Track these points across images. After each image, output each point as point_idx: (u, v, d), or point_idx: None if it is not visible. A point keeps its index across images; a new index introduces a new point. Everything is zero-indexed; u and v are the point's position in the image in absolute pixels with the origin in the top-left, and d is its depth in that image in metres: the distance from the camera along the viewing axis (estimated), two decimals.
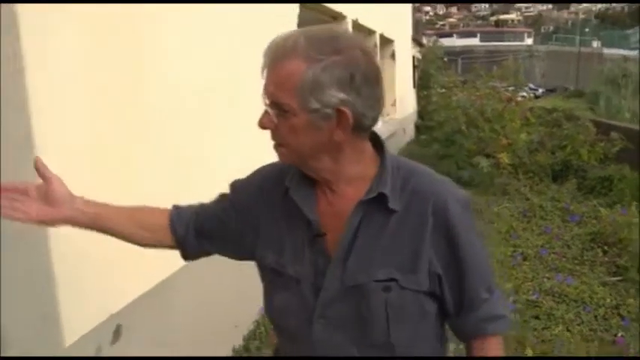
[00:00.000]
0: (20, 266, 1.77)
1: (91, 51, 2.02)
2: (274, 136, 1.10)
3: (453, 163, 8.92)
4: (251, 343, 3.36)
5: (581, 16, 53.25)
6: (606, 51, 41.25)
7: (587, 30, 51.76)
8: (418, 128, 14.12)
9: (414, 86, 15.48)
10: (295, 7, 4.33)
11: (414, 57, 15.36)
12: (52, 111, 1.79)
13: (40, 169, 1.14)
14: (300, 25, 4.30)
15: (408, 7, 14.55)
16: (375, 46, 8.63)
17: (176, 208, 1.30)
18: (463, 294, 1.16)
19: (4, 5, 1.61)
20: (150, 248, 1.30)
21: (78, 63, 1.94)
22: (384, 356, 1.14)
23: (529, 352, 3.27)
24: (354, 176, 1.14)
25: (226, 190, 1.31)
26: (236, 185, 1.30)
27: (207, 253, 1.33)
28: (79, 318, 1.97)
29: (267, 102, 1.06)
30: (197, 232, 1.27)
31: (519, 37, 56.67)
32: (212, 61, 2.98)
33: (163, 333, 2.51)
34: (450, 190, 1.17)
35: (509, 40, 54.12)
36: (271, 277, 1.22)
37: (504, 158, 8.25)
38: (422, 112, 15.33)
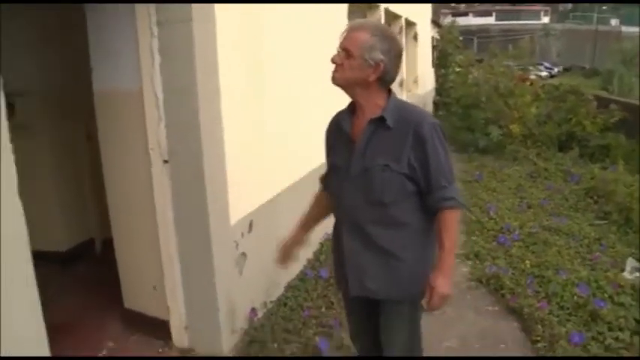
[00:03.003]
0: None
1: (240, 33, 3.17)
2: (337, 67, 1.92)
3: (469, 133, 9.99)
4: (319, 255, 4.53)
5: None
6: (625, 29, 41.11)
7: (604, 8, 51.44)
8: (436, 105, 15.06)
9: (433, 65, 16.38)
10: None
11: (432, 37, 16.22)
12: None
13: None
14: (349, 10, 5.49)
15: None
16: (401, 28, 9.66)
17: (322, 181, 2.29)
18: (429, 180, 1.91)
19: (206, 4, 2.73)
20: None
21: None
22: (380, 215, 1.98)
23: (527, 265, 4.38)
24: (375, 105, 1.95)
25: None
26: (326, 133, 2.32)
27: None
28: (234, 213, 3.13)
29: (341, 49, 1.90)
30: None
31: (536, 15, 56.51)
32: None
33: (274, 230, 3.67)
34: (425, 117, 1.95)
35: (525, 19, 54.07)
36: (332, 168, 2.13)
37: (515, 129, 9.29)
38: (440, 90, 16.27)
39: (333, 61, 1.94)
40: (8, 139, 1.53)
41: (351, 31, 1.93)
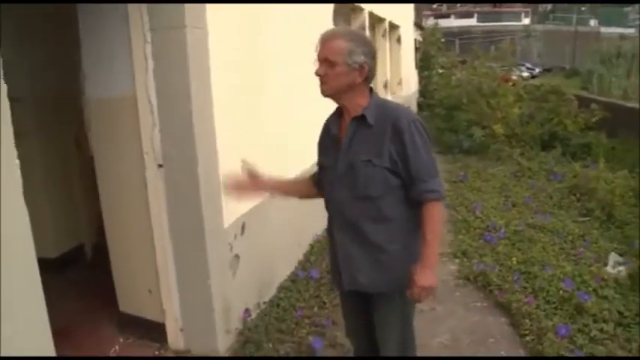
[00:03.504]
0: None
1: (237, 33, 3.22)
2: (322, 79, 2.01)
3: (452, 134, 10.12)
4: (309, 257, 4.59)
5: None
6: (603, 30, 41.49)
7: (583, 9, 52.00)
8: (420, 106, 15.21)
9: (416, 67, 16.53)
10: (330, 5, 5.52)
11: (415, 40, 16.38)
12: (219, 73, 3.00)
13: (247, 169, 2.33)
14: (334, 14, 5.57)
15: None
16: (385, 31, 9.76)
17: (313, 175, 2.37)
18: (410, 172, 1.99)
19: (197, 5, 2.77)
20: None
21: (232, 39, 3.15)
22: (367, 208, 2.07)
23: (514, 261, 4.47)
24: (357, 105, 2.05)
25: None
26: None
27: None
28: (227, 215, 3.18)
29: (321, 60, 1.98)
30: None
31: (516, 17, 57.04)
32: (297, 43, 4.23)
33: (266, 232, 3.73)
34: (404, 113, 2.05)
35: (506, 20, 54.54)
36: (321, 168, 2.26)
37: (498, 129, 9.42)
38: (423, 91, 16.44)
39: (317, 74, 2.02)
40: (13, 144, 1.57)
41: (326, 41, 2.00)
